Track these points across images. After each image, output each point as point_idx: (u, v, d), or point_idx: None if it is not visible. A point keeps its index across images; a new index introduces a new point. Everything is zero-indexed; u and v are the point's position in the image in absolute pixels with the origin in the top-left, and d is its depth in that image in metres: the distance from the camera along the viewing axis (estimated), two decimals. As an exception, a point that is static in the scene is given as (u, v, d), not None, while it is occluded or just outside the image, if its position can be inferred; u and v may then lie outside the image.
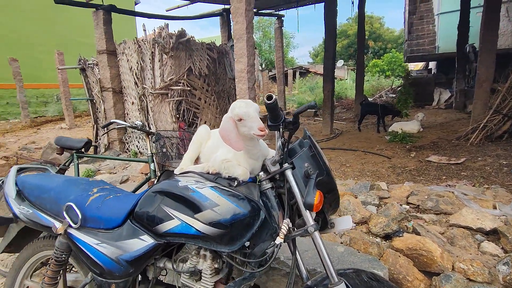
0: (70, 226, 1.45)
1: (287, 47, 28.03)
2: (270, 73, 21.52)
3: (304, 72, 23.25)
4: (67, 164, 2.68)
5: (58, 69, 6.04)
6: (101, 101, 5.35)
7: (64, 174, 2.68)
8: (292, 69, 22.09)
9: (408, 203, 2.83)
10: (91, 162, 5.11)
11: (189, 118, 5.08)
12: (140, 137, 5.22)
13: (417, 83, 9.24)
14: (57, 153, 2.68)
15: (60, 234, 1.46)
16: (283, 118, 1.26)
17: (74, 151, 2.63)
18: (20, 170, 1.82)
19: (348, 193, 2.99)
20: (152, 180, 2.35)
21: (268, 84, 15.76)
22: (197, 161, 1.63)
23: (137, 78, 4.96)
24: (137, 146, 5.31)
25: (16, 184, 1.72)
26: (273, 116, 1.23)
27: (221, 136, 1.24)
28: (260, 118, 1.26)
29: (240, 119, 1.21)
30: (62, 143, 2.63)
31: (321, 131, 7.13)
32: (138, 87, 4.98)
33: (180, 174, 1.44)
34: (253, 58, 3.73)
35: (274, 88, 17.68)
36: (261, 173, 1.41)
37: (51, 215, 1.54)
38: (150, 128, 4.83)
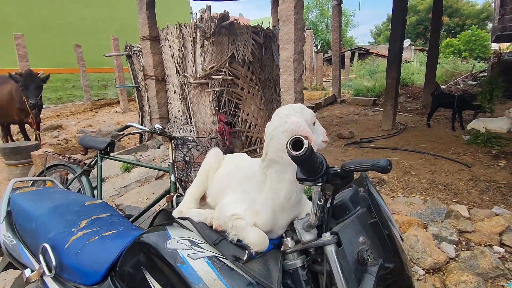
0: (44, 273, 1.15)
1: (345, 26, 25.94)
2: (326, 55, 20.12)
3: (364, 53, 21.27)
4: (92, 164, 2.50)
5: (105, 56, 6.08)
6: (144, 89, 5.26)
7: (88, 175, 2.51)
8: (350, 50, 20.36)
9: (502, 244, 2.09)
10: (134, 152, 5.09)
11: (231, 110, 4.70)
12: (181, 127, 5.03)
13: (510, 69, 7.48)
14: (80, 153, 2.51)
15: (34, 281, 1.17)
16: (325, 169, 0.76)
17: (98, 151, 2.42)
18: (17, 188, 1.58)
19: (414, 220, 2.33)
20: (172, 194, 2.02)
21: (322, 67, 14.68)
22: (204, 199, 1.21)
23: (178, 66, 4.70)
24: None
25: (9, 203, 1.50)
26: (307, 169, 0.73)
27: (301, 132, 0.82)
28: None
29: (314, 122, 0.95)
30: (85, 143, 2.44)
31: (380, 125, 6.22)
32: (179, 75, 4.73)
33: (179, 218, 1.04)
34: (302, 43, 3.14)
35: (329, 71, 16.47)
36: (288, 239, 0.93)
37: (32, 253, 1.28)
38: (190, 120, 4.58)
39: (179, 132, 5.10)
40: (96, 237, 1.18)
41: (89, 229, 1.23)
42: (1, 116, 5.38)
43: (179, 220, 1.01)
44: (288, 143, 0.68)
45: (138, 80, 5.50)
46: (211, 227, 0.96)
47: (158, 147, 5.25)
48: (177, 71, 4.72)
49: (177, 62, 4.68)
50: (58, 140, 6.78)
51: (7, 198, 1.49)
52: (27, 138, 5.50)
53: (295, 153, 0.64)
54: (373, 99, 9.39)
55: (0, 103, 5.18)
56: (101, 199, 2.49)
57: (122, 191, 3.65)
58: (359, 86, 11.33)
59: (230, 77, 4.29)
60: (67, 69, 11.00)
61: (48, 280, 1.15)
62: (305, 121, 0.88)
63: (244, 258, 0.84)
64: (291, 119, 0.88)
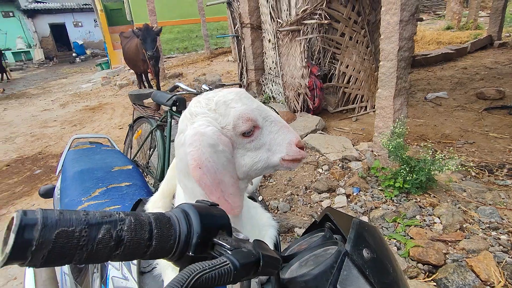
0: None
1: None
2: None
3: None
4: (163, 120, 2.59)
5: (207, 5, 6.09)
6: (241, 38, 5.09)
7: (163, 131, 2.63)
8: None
9: None
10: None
11: (326, 62, 4.04)
12: (274, 80, 4.74)
13: None
14: (154, 109, 2.62)
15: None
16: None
17: (169, 108, 2.46)
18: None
19: None
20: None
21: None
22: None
23: (272, 10, 4.24)
24: (271, 89, 4.91)
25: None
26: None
27: (196, 179, 0.51)
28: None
29: (252, 129, 0.55)
30: (156, 98, 2.51)
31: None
32: (273, 22, 4.29)
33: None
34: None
35: (489, 2, 12.08)
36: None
37: None
38: (282, 73, 4.21)
39: (272, 85, 4.84)
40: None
41: (97, 201, 1.21)
42: (132, 66, 6.37)
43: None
44: None
45: (236, 29, 5.36)
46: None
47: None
48: (271, 17, 4.28)
49: (271, 6, 4.21)
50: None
51: (65, 153, 1.65)
52: (150, 86, 6.40)
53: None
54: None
55: (130, 55, 6.10)
56: (149, 160, 2.58)
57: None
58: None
59: (326, 21, 3.57)
60: (191, 19, 11.96)
61: None
62: (222, 131, 0.52)
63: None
64: (194, 125, 0.49)
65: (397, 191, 2.21)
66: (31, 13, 19.71)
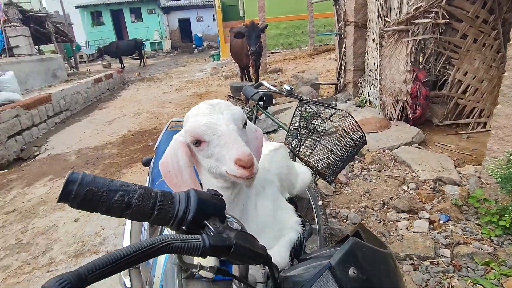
0: None
1: None
2: None
3: None
4: (250, 114, 2.77)
5: (312, 3, 6.00)
6: (343, 37, 4.89)
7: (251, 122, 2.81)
8: None
9: None
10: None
11: (438, 67, 3.54)
12: (373, 83, 4.42)
13: None
14: (244, 102, 2.81)
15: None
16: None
17: (256, 102, 2.62)
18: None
19: None
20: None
21: None
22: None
23: (381, 7, 3.92)
24: (368, 93, 4.60)
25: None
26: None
27: (163, 175, 0.69)
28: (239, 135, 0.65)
29: (198, 141, 0.66)
30: (246, 92, 2.68)
31: None
32: (381, 20, 3.97)
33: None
34: None
35: None
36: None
37: None
38: (380, 77, 3.89)
39: (370, 88, 4.53)
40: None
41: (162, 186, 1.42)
42: (237, 59, 6.90)
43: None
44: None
45: (339, 27, 5.17)
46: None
47: (346, 102, 4.98)
48: (379, 15, 3.97)
49: (380, 3, 3.90)
50: (276, 82, 7.95)
51: (162, 133, 1.97)
52: (249, 79, 6.82)
53: None
54: None
55: (237, 49, 6.62)
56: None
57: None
58: None
59: (443, 21, 3.11)
60: (298, 15, 12.06)
61: None
62: (183, 143, 0.68)
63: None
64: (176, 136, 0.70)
65: (500, 230, 1.83)
66: (167, 10, 23.45)
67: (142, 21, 23.30)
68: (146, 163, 1.84)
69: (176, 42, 24.08)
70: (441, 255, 1.73)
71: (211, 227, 0.45)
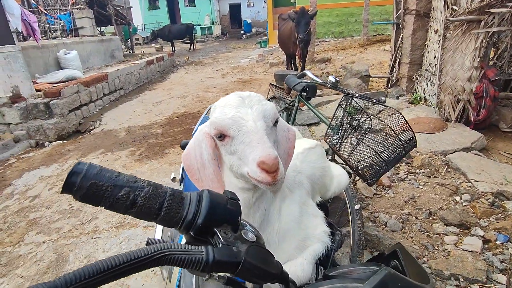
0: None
1: None
2: None
3: None
4: (291, 104, 2.67)
5: None
6: (401, 27, 4.48)
7: (289, 113, 2.73)
8: None
9: None
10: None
11: (511, 64, 3.08)
12: (431, 79, 4.01)
13: None
14: (286, 92, 2.72)
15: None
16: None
17: (298, 93, 2.52)
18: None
19: None
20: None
21: None
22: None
23: (450, -6, 3.49)
24: (424, 89, 4.19)
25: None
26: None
27: (186, 168, 0.67)
28: (265, 132, 0.58)
29: (222, 135, 0.61)
30: (288, 82, 2.59)
31: None
32: (447, 8, 3.54)
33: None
34: None
35: None
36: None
37: None
38: (440, 72, 3.50)
39: (426, 85, 4.13)
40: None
41: None
42: (284, 47, 6.73)
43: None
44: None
45: (398, 15, 4.74)
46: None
47: (397, 98, 4.61)
48: (445, 3, 3.54)
49: (449, -11, 3.47)
50: (322, 73, 7.65)
51: (201, 118, 1.99)
52: (295, 68, 6.64)
53: None
54: None
55: (284, 36, 6.45)
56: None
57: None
58: None
59: (527, 11, 2.67)
60: (353, 2, 11.35)
61: None
62: (209, 134, 0.63)
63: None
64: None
65: None
66: (219, -5, 23.64)
67: (195, 5, 23.83)
68: (184, 147, 1.87)
69: (226, 27, 24.30)
70: (495, 280, 1.53)
71: (220, 237, 0.40)
